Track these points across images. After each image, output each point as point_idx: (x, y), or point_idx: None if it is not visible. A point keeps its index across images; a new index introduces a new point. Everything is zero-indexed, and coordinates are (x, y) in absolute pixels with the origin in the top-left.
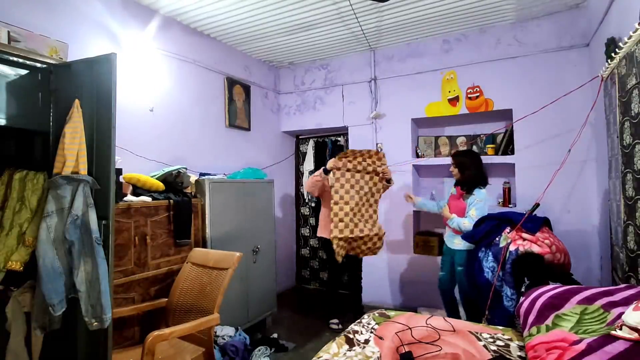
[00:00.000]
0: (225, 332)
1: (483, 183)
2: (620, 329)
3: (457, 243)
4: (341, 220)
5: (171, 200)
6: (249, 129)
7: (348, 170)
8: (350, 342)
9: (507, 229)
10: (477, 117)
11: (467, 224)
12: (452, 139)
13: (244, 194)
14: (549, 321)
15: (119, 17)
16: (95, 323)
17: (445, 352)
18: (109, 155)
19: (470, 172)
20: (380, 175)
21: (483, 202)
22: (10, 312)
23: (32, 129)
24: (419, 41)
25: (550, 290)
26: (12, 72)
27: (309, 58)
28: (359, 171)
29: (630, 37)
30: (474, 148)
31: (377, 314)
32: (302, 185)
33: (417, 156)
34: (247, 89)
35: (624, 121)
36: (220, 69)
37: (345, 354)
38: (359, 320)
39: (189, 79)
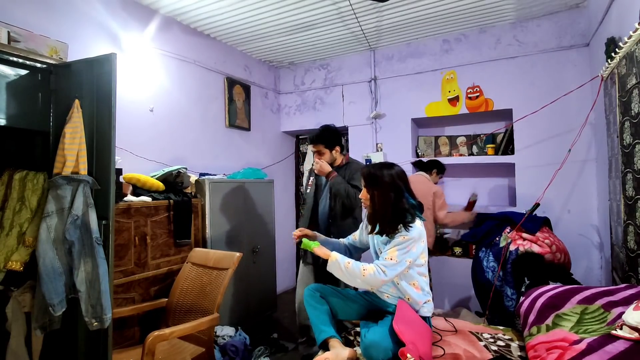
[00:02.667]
0: (225, 332)
1: (409, 219)
2: (621, 329)
3: (387, 296)
4: None
5: (171, 200)
6: (249, 129)
7: None
8: (351, 344)
9: (508, 229)
10: (477, 117)
11: (370, 271)
12: (452, 138)
13: (244, 194)
14: (549, 321)
15: (119, 17)
16: (96, 323)
17: (447, 353)
18: (109, 155)
19: (385, 208)
20: None
21: (413, 241)
22: (10, 312)
23: (32, 129)
24: (418, 41)
25: (551, 290)
26: (12, 72)
27: (309, 58)
28: None
29: (630, 37)
30: (474, 148)
31: None
32: (302, 185)
33: (417, 156)
34: (247, 89)
35: (624, 121)
36: (220, 69)
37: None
38: None
39: (188, 79)
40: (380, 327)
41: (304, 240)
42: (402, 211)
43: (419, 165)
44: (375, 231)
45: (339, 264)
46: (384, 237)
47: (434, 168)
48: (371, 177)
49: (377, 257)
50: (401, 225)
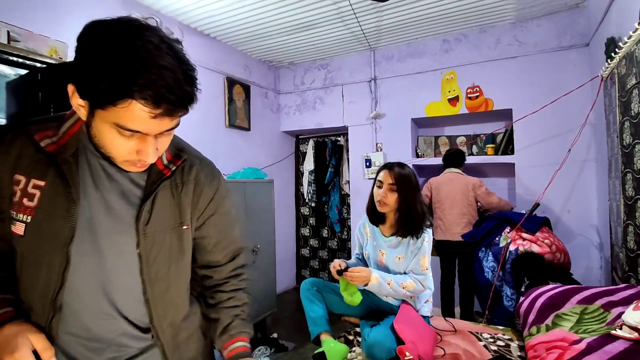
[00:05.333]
0: None
1: (428, 218)
2: (620, 329)
3: (387, 297)
4: None
5: None
6: (248, 129)
7: None
8: (351, 343)
9: (507, 229)
10: (477, 117)
11: (411, 287)
12: (452, 138)
13: (243, 194)
14: (548, 321)
15: None
16: None
17: (447, 353)
18: None
19: (415, 204)
20: None
21: (430, 242)
22: None
23: None
24: (418, 41)
25: (550, 290)
26: (12, 72)
27: (309, 58)
28: None
29: (630, 37)
30: (474, 148)
31: None
32: (302, 185)
33: (417, 156)
34: (247, 88)
35: (624, 121)
36: (220, 69)
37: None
38: None
39: None
40: (384, 327)
41: (342, 280)
42: (424, 211)
43: (448, 161)
44: (397, 232)
45: (381, 285)
46: (394, 239)
47: (464, 160)
48: (404, 179)
49: (373, 259)
50: (423, 226)
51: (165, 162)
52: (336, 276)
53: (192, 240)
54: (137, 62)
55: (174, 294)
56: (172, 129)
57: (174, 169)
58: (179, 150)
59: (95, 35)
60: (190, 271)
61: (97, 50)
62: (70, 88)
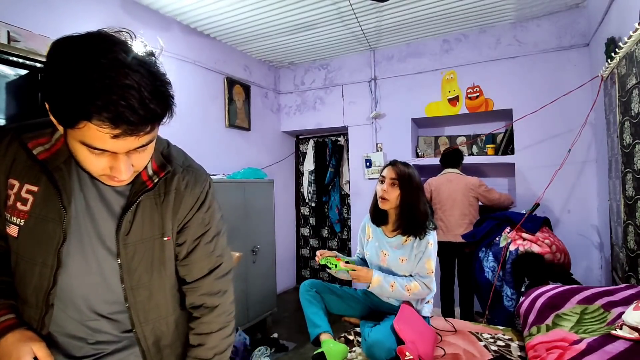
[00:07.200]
0: None
1: (431, 220)
2: (621, 329)
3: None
4: None
5: None
6: (248, 129)
7: None
8: (351, 343)
9: (507, 229)
10: (477, 117)
11: (415, 289)
12: (452, 138)
13: (244, 194)
14: (549, 321)
15: (118, 17)
16: None
17: (447, 353)
18: None
19: (418, 203)
20: None
21: (435, 245)
22: None
23: None
24: (418, 41)
25: (550, 290)
26: (12, 72)
27: (309, 58)
28: None
29: (630, 37)
30: (474, 148)
31: None
32: (302, 185)
33: (417, 156)
34: (247, 89)
35: (624, 121)
36: (220, 69)
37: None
38: None
39: (188, 79)
40: (384, 327)
41: (331, 260)
42: (427, 212)
43: (446, 161)
44: (398, 231)
45: (382, 287)
46: (397, 240)
47: (462, 159)
48: (407, 176)
49: (374, 260)
50: (426, 226)
51: (150, 172)
52: (320, 258)
53: (174, 250)
54: (99, 82)
55: (157, 301)
56: (144, 145)
57: (156, 180)
58: (165, 161)
59: (62, 53)
60: (175, 280)
61: (60, 70)
62: (47, 105)
